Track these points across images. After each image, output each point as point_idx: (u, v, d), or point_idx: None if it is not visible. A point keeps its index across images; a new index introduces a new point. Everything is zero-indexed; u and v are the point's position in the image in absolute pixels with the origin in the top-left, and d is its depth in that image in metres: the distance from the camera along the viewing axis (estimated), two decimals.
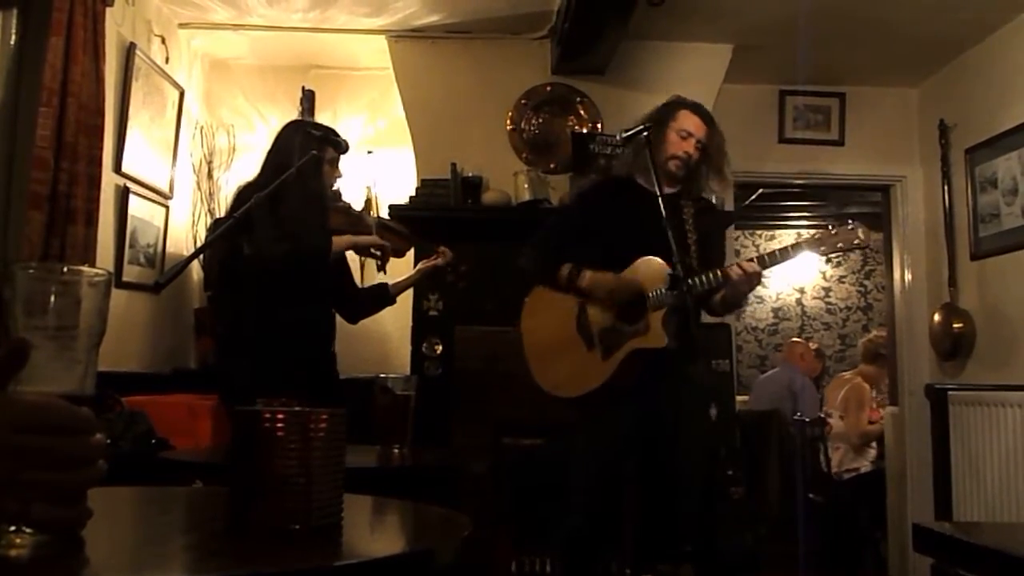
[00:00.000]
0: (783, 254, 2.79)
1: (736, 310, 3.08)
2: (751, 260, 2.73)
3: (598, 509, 2.70)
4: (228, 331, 2.90)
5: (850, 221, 2.75)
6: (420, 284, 3.15)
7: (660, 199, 2.64)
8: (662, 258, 2.70)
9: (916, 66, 4.68)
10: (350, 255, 3.13)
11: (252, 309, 2.78)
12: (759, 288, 8.05)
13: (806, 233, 6.08)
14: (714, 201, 2.86)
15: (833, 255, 2.88)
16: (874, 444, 5.24)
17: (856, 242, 2.72)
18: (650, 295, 2.71)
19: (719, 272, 2.69)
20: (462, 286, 3.06)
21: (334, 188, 2.99)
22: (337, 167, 2.96)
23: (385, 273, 3.07)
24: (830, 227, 2.78)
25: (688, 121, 2.86)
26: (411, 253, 3.29)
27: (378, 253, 2.96)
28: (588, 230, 2.89)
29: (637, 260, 2.75)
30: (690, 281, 2.63)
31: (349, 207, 3.05)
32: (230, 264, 2.75)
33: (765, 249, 8.26)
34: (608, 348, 2.73)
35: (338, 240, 2.84)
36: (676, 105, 2.92)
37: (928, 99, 4.85)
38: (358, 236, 2.91)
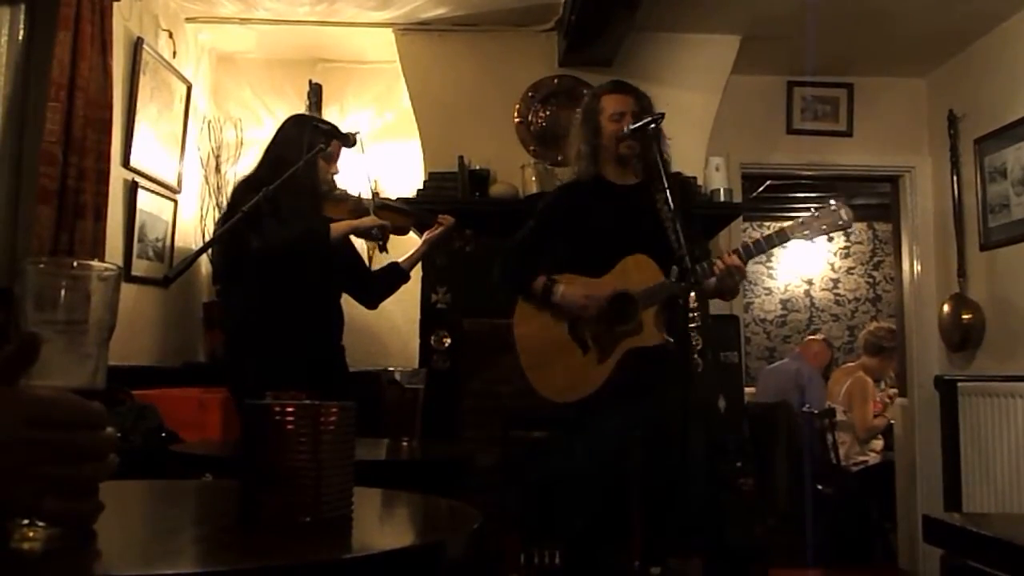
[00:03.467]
0: (768, 242, 2.71)
1: (730, 299, 3.04)
2: (733, 252, 2.67)
3: (601, 507, 2.68)
4: (237, 325, 2.91)
5: (832, 203, 2.65)
6: (429, 255, 3.18)
7: (638, 191, 2.63)
8: (648, 253, 2.69)
9: (924, 56, 4.65)
10: (356, 241, 3.13)
11: (261, 303, 2.80)
12: (768, 280, 8.19)
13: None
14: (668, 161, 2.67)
15: (818, 238, 2.83)
16: (879, 435, 5.25)
17: (840, 223, 2.62)
18: (639, 293, 2.67)
19: (707, 264, 2.64)
20: (470, 249, 3.06)
21: (332, 180, 2.99)
22: (334, 161, 2.96)
23: (387, 252, 3.09)
24: (813, 211, 2.68)
25: (613, 103, 2.84)
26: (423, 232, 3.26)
27: (377, 232, 2.95)
28: (562, 237, 2.85)
29: (624, 259, 2.73)
30: (698, 268, 2.51)
31: (346, 194, 3.05)
32: (238, 258, 2.76)
33: None
34: (603, 350, 2.71)
35: (337, 226, 2.83)
36: (596, 95, 2.90)
37: (937, 89, 4.82)
38: (356, 220, 2.91)
